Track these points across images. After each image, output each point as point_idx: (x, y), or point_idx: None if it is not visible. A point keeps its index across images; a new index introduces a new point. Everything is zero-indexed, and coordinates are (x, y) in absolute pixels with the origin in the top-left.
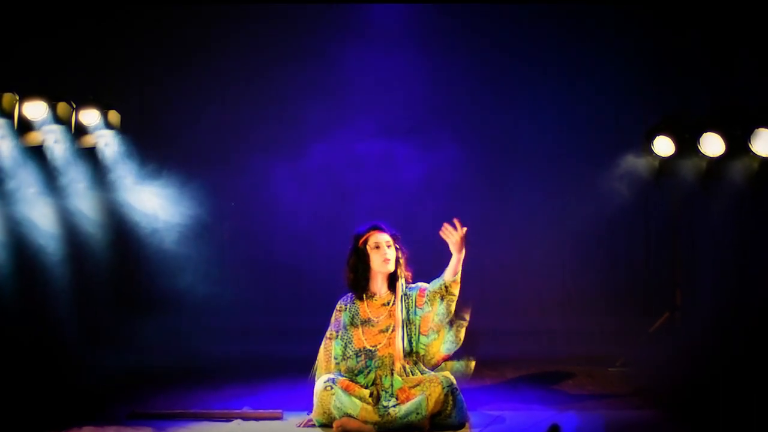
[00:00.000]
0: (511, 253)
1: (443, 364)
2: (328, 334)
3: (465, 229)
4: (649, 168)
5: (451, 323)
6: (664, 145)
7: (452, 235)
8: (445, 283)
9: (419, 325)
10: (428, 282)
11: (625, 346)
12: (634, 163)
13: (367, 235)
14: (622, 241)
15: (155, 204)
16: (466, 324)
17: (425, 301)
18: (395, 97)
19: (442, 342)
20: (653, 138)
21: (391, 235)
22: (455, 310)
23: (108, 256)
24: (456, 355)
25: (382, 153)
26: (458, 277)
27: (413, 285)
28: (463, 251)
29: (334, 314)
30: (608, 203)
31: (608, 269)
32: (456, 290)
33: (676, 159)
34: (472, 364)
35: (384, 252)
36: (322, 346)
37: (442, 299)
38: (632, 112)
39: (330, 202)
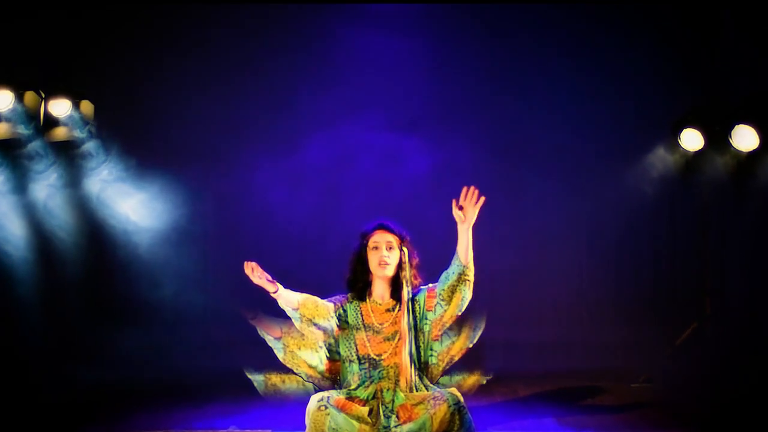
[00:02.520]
0: (523, 257)
1: (455, 380)
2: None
3: (482, 198)
4: (676, 164)
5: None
6: (691, 139)
7: (470, 203)
8: (464, 267)
9: (429, 332)
10: (434, 281)
11: (649, 360)
12: (658, 158)
13: (371, 234)
14: (645, 245)
15: (132, 204)
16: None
17: (438, 302)
18: (400, 89)
19: (457, 306)
20: (680, 131)
21: (399, 236)
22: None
23: (81, 261)
24: (468, 369)
25: (384, 149)
26: (471, 255)
27: (419, 288)
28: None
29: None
30: (630, 203)
31: (630, 275)
32: (472, 273)
33: (705, 154)
34: (482, 380)
35: (381, 254)
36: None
37: (465, 285)
38: (656, 103)
39: (326, 203)
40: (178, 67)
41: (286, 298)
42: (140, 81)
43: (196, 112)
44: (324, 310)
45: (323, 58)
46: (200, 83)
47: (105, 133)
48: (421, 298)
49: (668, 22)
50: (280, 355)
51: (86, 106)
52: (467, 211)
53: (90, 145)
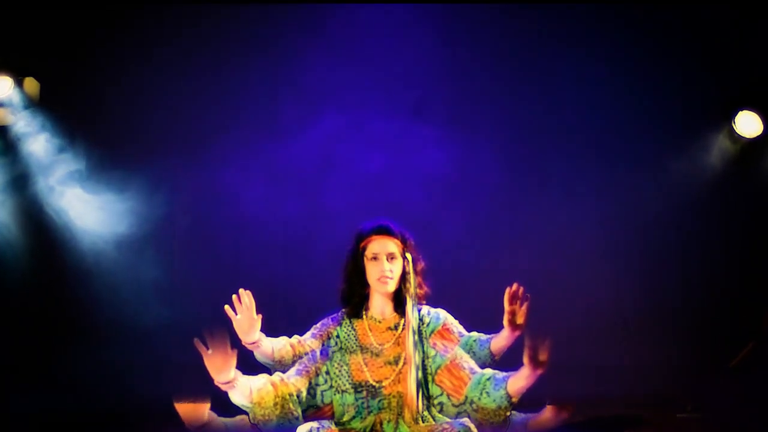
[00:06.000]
0: (550, 264)
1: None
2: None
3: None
4: (730, 153)
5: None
6: (748, 123)
7: (516, 306)
8: (493, 360)
9: (436, 370)
10: (452, 312)
11: (697, 385)
12: (709, 147)
13: (368, 239)
14: (693, 249)
15: (87, 203)
16: None
17: (461, 370)
18: (408, 69)
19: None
20: (735, 114)
21: (401, 240)
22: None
23: (26, 270)
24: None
25: (387, 140)
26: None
27: (435, 312)
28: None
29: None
30: (675, 199)
31: (676, 285)
32: None
33: (765, 140)
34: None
35: (382, 267)
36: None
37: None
38: (706, 81)
39: (316, 202)
40: (143, 45)
41: (264, 351)
42: (97, 57)
43: (165, 97)
44: (304, 358)
45: (314, 32)
46: (169, 64)
47: (55, 117)
48: (432, 324)
49: None
50: (251, 417)
51: (31, 84)
52: (518, 316)
53: (36, 132)
